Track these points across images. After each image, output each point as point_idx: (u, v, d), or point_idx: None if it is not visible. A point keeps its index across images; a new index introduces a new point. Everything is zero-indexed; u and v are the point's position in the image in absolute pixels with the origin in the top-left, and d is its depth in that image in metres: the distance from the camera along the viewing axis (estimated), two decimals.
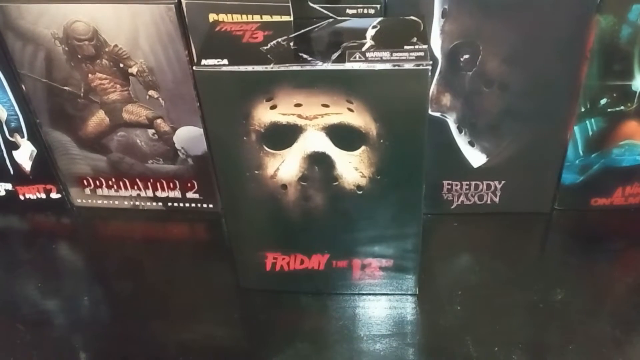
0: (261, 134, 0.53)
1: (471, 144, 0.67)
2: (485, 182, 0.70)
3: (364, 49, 0.50)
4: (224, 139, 0.54)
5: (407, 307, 0.63)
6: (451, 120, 0.65)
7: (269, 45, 0.52)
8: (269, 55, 0.50)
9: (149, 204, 0.76)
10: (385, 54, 0.50)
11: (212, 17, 0.60)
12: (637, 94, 0.62)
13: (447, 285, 0.65)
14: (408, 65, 0.49)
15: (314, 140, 0.54)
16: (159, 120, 0.68)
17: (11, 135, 0.71)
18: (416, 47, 0.50)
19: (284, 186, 0.57)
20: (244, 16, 0.59)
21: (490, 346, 0.59)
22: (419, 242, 0.60)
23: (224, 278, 0.66)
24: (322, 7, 0.55)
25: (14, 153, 0.72)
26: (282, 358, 0.59)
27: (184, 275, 0.68)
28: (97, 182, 0.74)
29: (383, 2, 0.58)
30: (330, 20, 0.55)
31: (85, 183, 0.75)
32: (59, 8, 0.61)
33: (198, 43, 0.61)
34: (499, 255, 0.67)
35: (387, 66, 0.49)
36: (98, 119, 0.69)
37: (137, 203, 0.76)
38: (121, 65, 0.64)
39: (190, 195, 0.74)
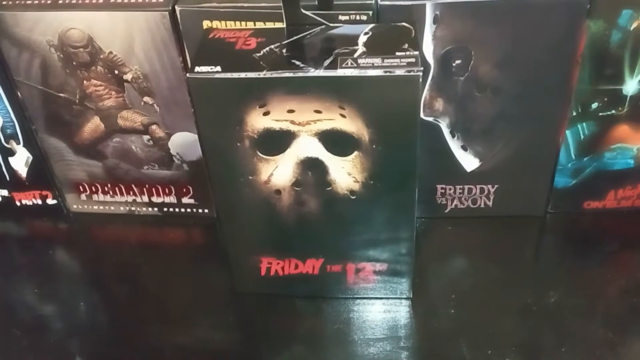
0: (255, 140, 0.54)
1: (464, 148, 0.67)
2: (478, 186, 0.70)
3: (355, 55, 0.51)
4: (218, 145, 0.55)
5: (401, 311, 0.63)
6: (444, 125, 0.66)
7: (262, 52, 0.52)
8: (261, 62, 0.51)
9: (144, 209, 0.76)
10: (377, 61, 0.50)
11: (206, 24, 0.60)
12: (628, 98, 0.63)
13: (441, 289, 0.65)
14: (399, 72, 0.49)
15: (307, 146, 0.54)
16: (154, 126, 0.68)
17: (7, 142, 0.71)
18: (407, 53, 0.51)
19: (278, 191, 0.57)
20: (238, 23, 0.60)
21: (484, 349, 0.59)
22: (413, 246, 0.60)
23: (219, 282, 0.67)
24: (314, 14, 0.55)
25: (10, 159, 0.73)
26: None
27: (179, 279, 0.68)
28: (93, 188, 0.75)
29: (375, 9, 0.58)
30: (323, 26, 0.55)
31: (81, 189, 0.75)
32: (54, 16, 0.61)
33: (192, 50, 0.61)
34: (493, 259, 0.68)
35: (379, 72, 0.49)
36: (93, 125, 0.69)
37: (132, 208, 0.76)
38: (116, 72, 0.64)
39: (185, 200, 0.74)
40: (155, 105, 0.67)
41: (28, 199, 0.76)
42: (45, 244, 0.74)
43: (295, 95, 0.51)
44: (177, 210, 0.75)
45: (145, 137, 0.70)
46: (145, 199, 0.75)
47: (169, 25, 0.60)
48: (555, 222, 0.72)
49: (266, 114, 0.52)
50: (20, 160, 0.73)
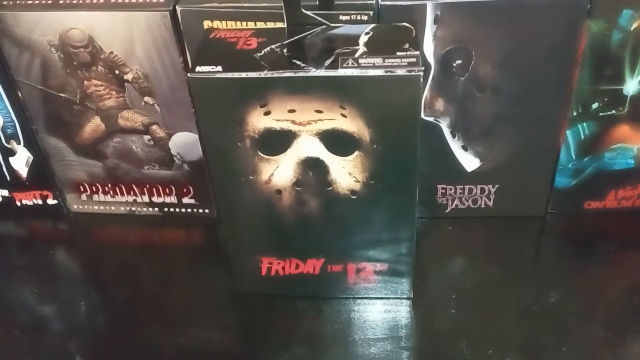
0: (255, 140, 0.54)
1: (464, 148, 0.67)
2: (479, 186, 0.70)
3: (356, 55, 0.51)
4: (219, 145, 0.55)
5: (402, 311, 0.63)
6: (444, 125, 0.66)
7: (263, 52, 0.52)
8: (262, 62, 0.51)
9: (145, 209, 0.76)
10: (378, 60, 0.50)
11: (206, 24, 0.60)
12: (628, 98, 0.63)
13: (441, 289, 0.65)
14: (400, 72, 0.49)
15: (308, 146, 0.54)
16: (154, 126, 0.68)
17: (7, 142, 0.71)
18: (408, 53, 0.51)
19: (279, 191, 0.57)
20: (239, 23, 0.60)
21: (485, 349, 0.59)
22: (414, 246, 0.60)
23: (219, 283, 0.67)
24: (315, 14, 0.55)
25: (11, 159, 0.73)
26: None
27: (180, 280, 0.68)
28: (94, 188, 0.75)
29: (376, 9, 0.58)
30: (324, 27, 0.55)
31: (82, 189, 0.75)
32: (55, 15, 0.61)
33: (193, 50, 0.61)
34: (493, 259, 0.68)
35: (380, 72, 0.49)
36: (94, 125, 0.69)
37: (133, 208, 0.76)
38: (117, 71, 0.64)
39: (186, 200, 0.74)
40: (155, 105, 0.67)
41: (28, 199, 0.76)
42: (46, 244, 0.74)
43: (296, 95, 0.51)
44: (177, 210, 0.75)
45: (146, 137, 0.70)
46: (146, 199, 0.75)
47: (170, 25, 0.60)
48: (556, 222, 0.72)
49: (267, 113, 0.52)
50: (21, 160, 0.73)
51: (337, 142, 0.53)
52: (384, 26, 0.56)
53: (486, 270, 0.67)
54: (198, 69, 0.51)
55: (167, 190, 0.74)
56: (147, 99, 0.66)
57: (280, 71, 0.50)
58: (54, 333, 0.64)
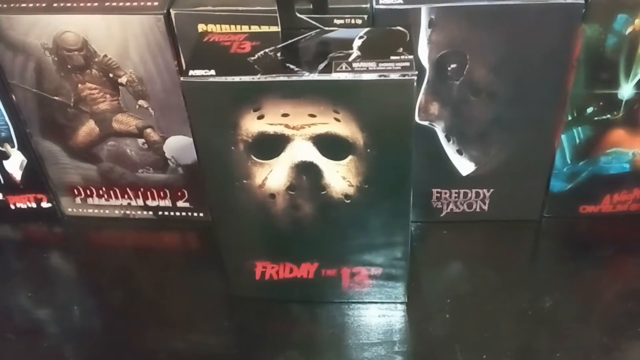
0: (249, 144, 0.54)
1: (459, 152, 0.67)
2: (474, 190, 0.70)
3: (350, 59, 0.51)
4: (212, 149, 0.55)
5: (396, 315, 0.63)
6: (439, 129, 0.66)
7: (257, 56, 0.52)
8: (256, 66, 0.51)
9: (139, 213, 0.76)
10: (372, 64, 0.50)
11: (201, 27, 0.60)
12: (623, 103, 0.63)
13: (436, 293, 0.65)
14: (394, 76, 0.49)
15: (301, 150, 0.54)
16: (148, 130, 0.68)
17: (1, 145, 0.71)
18: (402, 57, 0.50)
19: (273, 195, 0.57)
20: (233, 26, 0.60)
21: (479, 354, 0.59)
22: (408, 250, 0.60)
23: (214, 286, 0.67)
24: (309, 18, 0.55)
25: (5, 163, 0.72)
26: None
27: (174, 283, 0.68)
28: (88, 192, 0.75)
29: (370, 13, 0.58)
30: (318, 30, 0.55)
31: (76, 192, 0.75)
32: (49, 19, 0.61)
33: (187, 53, 0.61)
34: (488, 263, 0.67)
35: (373, 76, 0.49)
36: (88, 129, 0.69)
37: (127, 212, 0.76)
38: (111, 75, 0.64)
39: (180, 204, 0.74)
40: (150, 108, 0.66)
41: (22, 203, 0.76)
42: (40, 248, 0.74)
43: (289, 99, 0.51)
44: (172, 214, 0.75)
45: (140, 141, 0.69)
46: (140, 202, 0.75)
47: (164, 29, 0.60)
48: (551, 227, 0.72)
49: (260, 117, 0.52)
50: (15, 164, 0.72)
51: (331, 146, 0.53)
52: (378, 30, 0.56)
53: (481, 275, 0.66)
54: (191, 72, 0.51)
55: (162, 194, 0.74)
56: (141, 102, 0.66)
57: (274, 75, 0.50)
58: (49, 337, 0.64)
